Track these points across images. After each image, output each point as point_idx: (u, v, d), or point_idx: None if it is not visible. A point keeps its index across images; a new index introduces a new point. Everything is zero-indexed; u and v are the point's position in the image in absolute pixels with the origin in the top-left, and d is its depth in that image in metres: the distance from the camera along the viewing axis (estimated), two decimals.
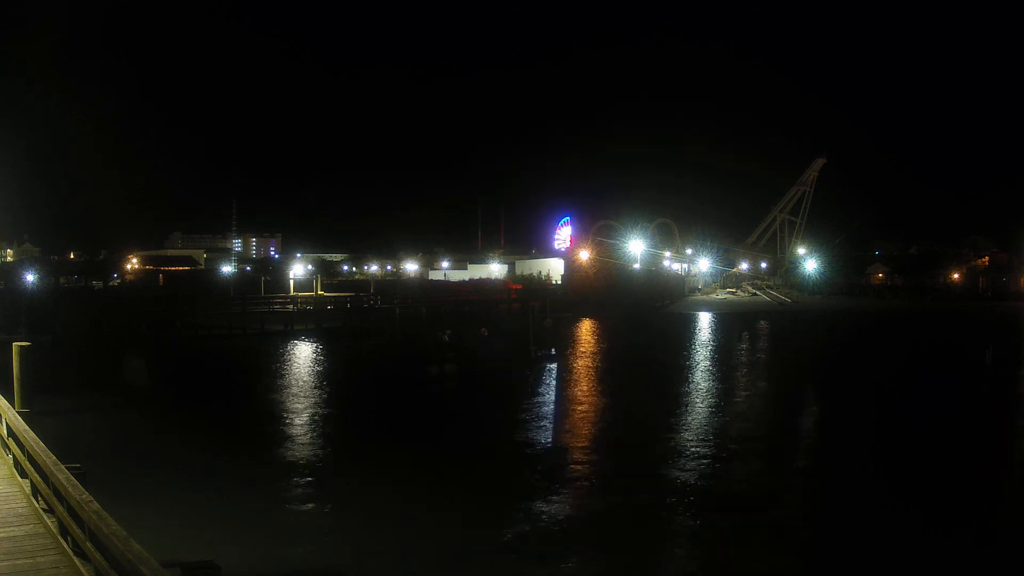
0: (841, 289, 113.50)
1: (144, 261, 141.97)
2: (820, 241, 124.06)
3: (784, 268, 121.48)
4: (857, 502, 18.06)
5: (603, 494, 18.78)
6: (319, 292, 77.38)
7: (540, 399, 31.47)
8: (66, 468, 9.95)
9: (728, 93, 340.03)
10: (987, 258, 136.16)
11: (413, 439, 24.14)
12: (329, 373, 39.21)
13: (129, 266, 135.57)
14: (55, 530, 10.15)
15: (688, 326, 71.79)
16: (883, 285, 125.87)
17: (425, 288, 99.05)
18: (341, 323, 61.97)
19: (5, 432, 14.08)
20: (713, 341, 59.74)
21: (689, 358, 46.14)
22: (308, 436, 24.58)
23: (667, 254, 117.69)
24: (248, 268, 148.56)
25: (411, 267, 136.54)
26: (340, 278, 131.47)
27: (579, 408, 29.84)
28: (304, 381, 35.99)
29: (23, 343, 25.51)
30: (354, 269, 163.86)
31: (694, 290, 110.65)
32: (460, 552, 14.89)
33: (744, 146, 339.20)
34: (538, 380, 35.93)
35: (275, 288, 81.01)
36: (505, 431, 25.33)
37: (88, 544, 8.56)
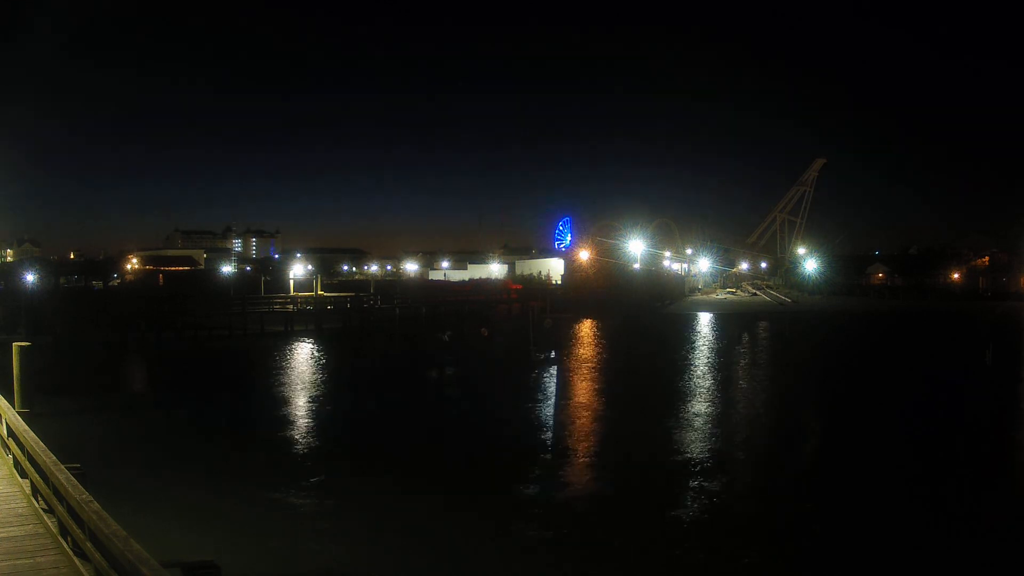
0: (841, 289, 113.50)
1: (144, 261, 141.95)
2: (820, 241, 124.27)
3: (784, 268, 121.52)
4: (857, 502, 18.06)
5: (604, 500, 18.76)
6: (319, 292, 77.36)
7: (541, 402, 31.44)
8: (66, 468, 9.95)
9: (729, 93, 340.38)
10: (987, 258, 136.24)
11: (413, 441, 24.10)
12: (329, 374, 39.18)
13: (129, 266, 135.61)
14: (55, 530, 10.15)
15: (688, 327, 71.77)
16: (883, 285, 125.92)
17: (425, 288, 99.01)
18: (341, 323, 61.99)
19: (5, 432, 14.08)
20: (714, 342, 59.69)
21: (690, 361, 46.11)
22: (308, 437, 24.56)
23: (667, 254, 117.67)
24: (248, 268, 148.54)
25: (411, 267, 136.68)
26: (340, 278, 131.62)
27: (580, 411, 29.81)
28: (304, 382, 35.97)
29: (23, 343, 25.54)
30: (354, 269, 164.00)
31: (694, 290, 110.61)
32: (461, 553, 14.88)
33: (744, 146, 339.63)
34: (539, 382, 35.89)
35: (275, 288, 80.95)
36: (506, 434, 25.31)
37: (88, 544, 8.55)
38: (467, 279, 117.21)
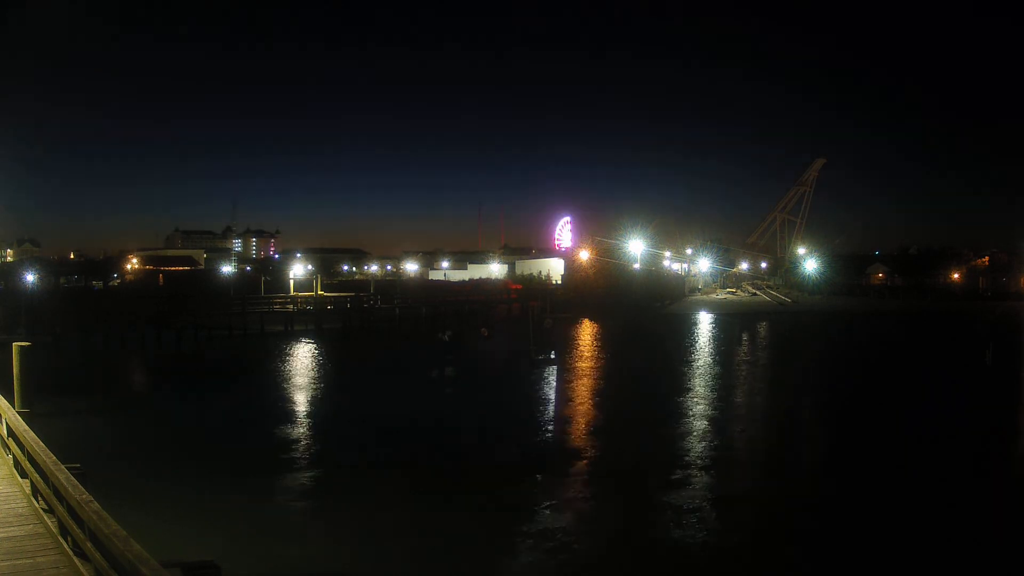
0: (841, 289, 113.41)
1: (144, 261, 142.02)
2: (820, 241, 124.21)
3: (784, 268, 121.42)
4: (857, 503, 18.07)
5: (605, 506, 18.76)
6: (319, 292, 77.31)
7: (540, 403, 31.45)
8: (66, 468, 9.94)
9: (728, 92, 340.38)
10: (987, 258, 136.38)
11: (413, 442, 24.10)
12: (329, 374, 39.20)
13: (129, 266, 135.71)
14: (55, 530, 10.14)
15: (689, 327, 71.77)
16: (883, 285, 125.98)
17: (425, 288, 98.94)
18: (341, 323, 62.02)
19: (5, 432, 14.07)
20: (714, 343, 59.71)
21: (690, 361, 46.10)
22: (308, 437, 24.57)
23: (667, 254, 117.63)
24: (248, 268, 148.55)
25: (411, 267, 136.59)
26: (340, 278, 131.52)
27: (580, 411, 29.82)
28: (304, 382, 35.98)
29: (23, 343, 25.52)
30: (354, 269, 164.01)
31: (694, 290, 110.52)
32: (459, 554, 14.88)
33: (744, 146, 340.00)
34: (539, 383, 35.88)
35: (275, 288, 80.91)
36: (504, 436, 25.30)
37: (88, 544, 8.55)
38: (467, 279, 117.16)
